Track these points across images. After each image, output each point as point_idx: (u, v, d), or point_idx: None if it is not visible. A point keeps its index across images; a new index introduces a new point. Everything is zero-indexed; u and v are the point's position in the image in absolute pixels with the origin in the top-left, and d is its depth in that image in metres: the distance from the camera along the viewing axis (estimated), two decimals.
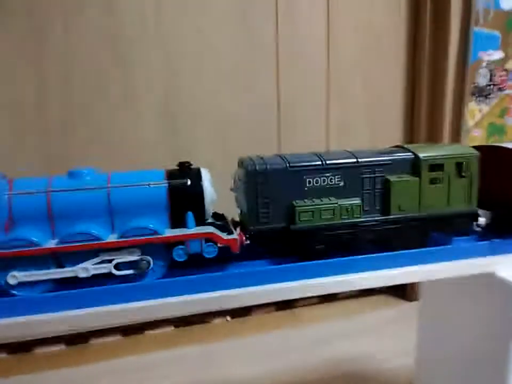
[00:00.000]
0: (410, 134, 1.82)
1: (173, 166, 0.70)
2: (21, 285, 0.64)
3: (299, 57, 1.66)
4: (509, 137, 1.85)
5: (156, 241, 0.65)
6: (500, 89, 1.82)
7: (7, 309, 0.61)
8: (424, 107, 1.77)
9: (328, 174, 0.72)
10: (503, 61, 1.80)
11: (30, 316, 0.62)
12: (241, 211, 0.75)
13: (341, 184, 0.73)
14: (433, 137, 1.77)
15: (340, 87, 1.73)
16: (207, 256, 0.66)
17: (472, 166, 0.76)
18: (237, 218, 0.77)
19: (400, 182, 0.74)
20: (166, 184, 0.66)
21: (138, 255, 0.65)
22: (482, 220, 0.81)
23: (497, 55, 1.79)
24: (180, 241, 0.65)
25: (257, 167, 0.69)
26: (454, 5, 1.67)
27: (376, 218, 0.74)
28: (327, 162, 0.72)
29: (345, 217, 0.72)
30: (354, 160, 0.73)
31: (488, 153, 0.80)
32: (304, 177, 0.71)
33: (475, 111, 1.82)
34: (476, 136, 1.81)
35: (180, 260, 0.66)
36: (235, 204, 0.77)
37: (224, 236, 0.67)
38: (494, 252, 0.77)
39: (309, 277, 0.70)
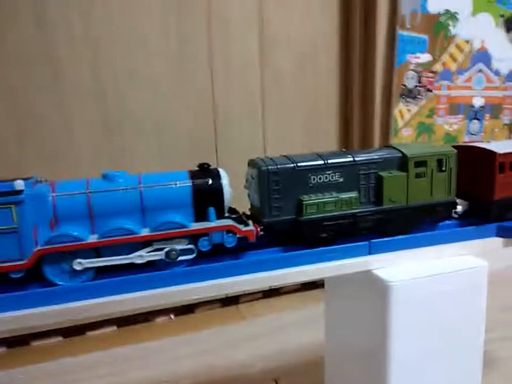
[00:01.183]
0: (345, 138, 2.01)
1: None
2: (63, 276, 0.74)
3: (233, 68, 1.78)
4: (437, 136, 2.08)
5: (183, 233, 0.77)
6: (428, 90, 2.04)
7: (59, 296, 0.73)
8: (356, 110, 1.97)
9: (329, 172, 0.87)
10: (431, 63, 2.03)
11: (81, 301, 0.74)
12: (253, 206, 0.89)
13: (340, 180, 0.88)
14: (366, 139, 1.97)
15: (274, 96, 1.86)
16: (228, 245, 0.80)
17: (451, 162, 0.92)
18: (247, 213, 0.91)
19: (390, 177, 0.89)
20: (190, 183, 0.79)
21: (187, 244, 0.78)
22: (460, 208, 0.99)
23: (425, 58, 2.02)
24: (204, 233, 0.78)
25: (269, 167, 0.82)
26: (381, 10, 1.86)
27: (371, 209, 0.90)
28: (328, 161, 0.87)
29: (345, 208, 0.87)
30: (352, 159, 0.88)
31: (466, 151, 0.99)
32: (309, 175, 0.86)
33: (404, 111, 2.03)
34: (405, 135, 2.03)
35: (205, 249, 0.78)
36: (247, 199, 0.92)
37: (242, 227, 0.80)
38: (372, 251, 0.90)
39: (312, 262, 0.86)
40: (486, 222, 0.97)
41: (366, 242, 0.89)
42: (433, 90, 2.07)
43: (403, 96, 2.02)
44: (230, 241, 0.79)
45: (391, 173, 0.90)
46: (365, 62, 1.92)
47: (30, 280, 0.75)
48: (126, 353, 1.60)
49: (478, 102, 2.19)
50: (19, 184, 0.70)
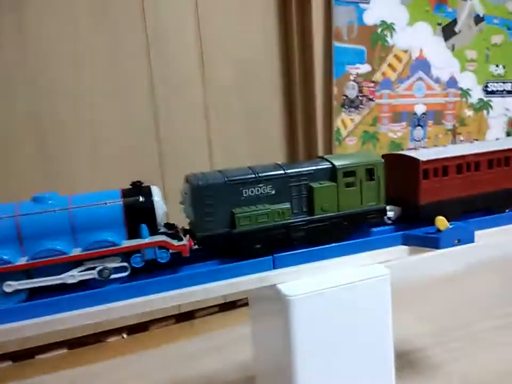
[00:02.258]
0: (291, 148, 2.13)
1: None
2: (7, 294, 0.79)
3: (174, 85, 1.87)
4: (382, 143, 2.21)
5: (115, 251, 0.82)
6: (370, 100, 2.18)
7: None
8: (299, 122, 2.09)
9: (261, 185, 0.93)
10: (370, 73, 2.17)
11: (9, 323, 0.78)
12: (190, 220, 0.94)
13: (272, 192, 0.94)
14: (310, 149, 2.08)
15: (218, 111, 1.95)
16: (161, 261, 0.85)
17: (379, 170, 1.00)
18: (187, 227, 0.96)
19: (321, 187, 0.96)
20: (121, 202, 0.84)
21: (120, 261, 0.84)
22: (391, 214, 1.08)
23: (365, 68, 2.14)
24: (136, 250, 0.83)
25: (200, 182, 0.88)
26: (316, 24, 1.98)
27: (303, 218, 0.96)
28: (260, 175, 0.93)
29: (278, 219, 0.93)
30: (283, 171, 0.95)
31: (396, 159, 1.10)
32: (241, 188, 0.91)
33: (347, 121, 2.15)
34: (350, 144, 2.16)
35: (138, 266, 0.84)
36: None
37: (175, 242, 0.85)
38: (277, 265, 0.95)
39: (244, 274, 0.93)
40: (416, 227, 1.06)
41: (270, 257, 0.93)
42: (375, 100, 2.22)
43: (345, 106, 2.16)
44: (162, 257, 0.85)
45: (321, 183, 0.96)
46: (305, 74, 2.03)
47: None
48: (76, 376, 1.66)
49: (420, 109, 2.34)
50: None
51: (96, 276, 0.81)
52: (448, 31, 2.34)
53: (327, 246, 0.98)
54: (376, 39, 2.18)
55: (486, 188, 1.13)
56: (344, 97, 2.15)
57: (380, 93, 2.23)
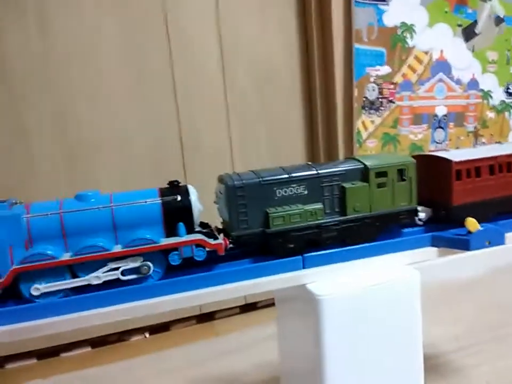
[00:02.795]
0: (312, 151, 2.15)
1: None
2: (43, 294, 0.82)
3: (196, 91, 1.91)
4: (402, 146, 2.22)
5: (154, 249, 0.84)
6: (390, 102, 2.19)
7: (33, 313, 0.82)
8: (320, 124, 2.11)
9: (294, 185, 0.94)
10: (391, 75, 2.18)
11: (53, 317, 0.82)
12: (223, 220, 0.96)
13: (305, 192, 0.95)
14: (331, 151, 2.10)
15: (239, 114, 1.99)
16: (197, 259, 0.87)
17: (410, 171, 1.01)
18: (220, 226, 0.98)
19: (353, 187, 0.97)
20: (160, 201, 0.87)
21: (140, 262, 0.85)
22: (423, 215, 1.08)
23: (384, 70, 2.16)
24: (174, 248, 0.86)
25: (235, 182, 0.90)
26: (336, 26, 2.00)
27: (335, 218, 0.97)
28: (293, 175, 0.94)
29: (310, 219, 0.94)
30: (315, 172, 0.96)
31: (427, 160, 1.10)
32: (274, 188, 0.93)
33: (368, 123, 2.17)
34: (370, 146, 2.17)
35: (175, 263, 0.86)
36: (217, 214, 0.99)
37: (211, 241, 0.87)
38: (306, 265, 0.96)
39: (274, 273, 0.95)
40: (447, 228, 1.07)
41: (300, 257, 0.95)
42: (395, 101, 2.23)
43: (365, 108, 2.17)
44: (199, 255, 0.87)
45: (353, 184, 0.97)
46: (325, 77, 2.05)
47: (7, 298, 0.82)
48: (100, 374, 1.68)
49: (441, 111, 2.34)
50: None
51: (120, 276, 0.86)
52: (468, 32, 2.35)
53: (356, 246, 0.99)
54: (396, 41, 2.19)
55: None
56: (364, 99, 2.16)
57: (400, 94, 2.24)
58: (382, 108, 2.19)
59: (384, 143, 2.23)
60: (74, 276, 0.83)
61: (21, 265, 0.79)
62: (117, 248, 0.84)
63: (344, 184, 0.97)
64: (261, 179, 0.93)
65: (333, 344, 0.92)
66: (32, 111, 1.68)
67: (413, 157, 1.07)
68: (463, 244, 0.98)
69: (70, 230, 0.83)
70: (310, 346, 0.95)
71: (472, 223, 0.97)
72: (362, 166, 1.00)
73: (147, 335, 1.89)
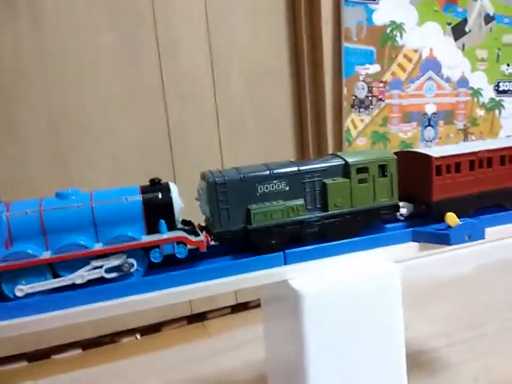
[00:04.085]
0: (301, 149, 2.16)
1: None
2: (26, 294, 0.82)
3: (186, 93, 1.93)
4: (392, 144, 2.24)
5: (135, 246, 0.85)
6: (380, 100, 2.21)
7: (16, 311, 0.83)
8: (310, 123, 2.12)
9: (275, 181, 0.95)
10: (380, 73, 2.20)
11: (35, 315, 0.83)
12: (206, 217, 0.98)
13: (286, 189, 0.96)
14: (320, 150, 2.11)
15: (229, 113, 2.01)
16: (179, 256, 0.88)
17: (392, 167, 1.02)
18: (203, 223, 1.00)
19: (334, 183, 0.98)
20: (140, 198, 0.88)
21: (123, 259, 0.86)
22: (404, 211, 1.10)
23: (374, 68, 2.18)
24: (155, 245, 0.87)
25: (216, 179, 0.91)
26: (325, 25, 2.02)
27: (317, 214, 0.98)
28: (274, 171, 0.95)
29: (292, 215, 0.96)
30: (296, 168, 0.97)
31: (408, 157, 1.12)
32: (256, 185, 0.94)
33: (357, 121, 2.19)
34: (360, 144, 2.19)
35: (156, 261, 0.87)
36: (199, 211, 1.00)
37: (193, 238, 0.89)
38: (288, 261, 0.98)
39: (256, 269, 0.96)
40: (428, 223, 1.09)
41: (281, 253, 0.96)
42: (385, 100, 2.26)
43: (355, 107, 2.19)
44: (180, 252, 0.88)
45: (334, 180, 0.99)
46: (314, 75, 2.07)
47: None
48: (91, 376, 1.71)
49: (430, 109, 2.37)
50: None
51: (104, 275, 0.87)
52: (458, 31, 2.37)
53: (337, 242, 1.00)
54: (385, 39, 2.21)
55: (499, 185, 1.15)
56: (354, 98, 2.19)
57: (389, 93, 2.26)
58: (372, 106, 2.22)
59: (373, 141, 2.25)
60: (55, 275, 0.84)
61: (1, 264, 0.80)
62: (98, 246, 0.84)
63: (325, 180, 0.99)
64: (242, 175, 0.94)
65: (315, 340, 0.93)
66: (24, 110, 1.71)
67: (395, 153, 1.08)
68: (443, 239, 0.99)
69: (50, 228, 0.83)
70: (292, 342, 0.97)
71: (451, 218, 0.99)
72: (343, 162, 1.01)
73: (138, 336, 1.90)
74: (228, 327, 1.97)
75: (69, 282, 0.84)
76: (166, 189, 0.90)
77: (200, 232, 0.92)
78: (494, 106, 2.47)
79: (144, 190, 0.89)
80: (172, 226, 0.89)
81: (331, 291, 0.94)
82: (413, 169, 1.09)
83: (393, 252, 1.05)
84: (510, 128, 2.53)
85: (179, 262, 0.91)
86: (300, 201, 0.97)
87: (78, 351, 1.82)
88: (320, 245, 1.00)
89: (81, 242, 0.84)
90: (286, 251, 0.97)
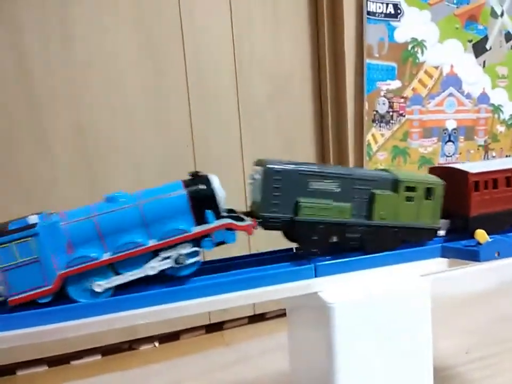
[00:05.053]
0: (322, 162, 2.20)
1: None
2: (85, 295, 0.89)
3: (209, 102, 1.98)
4: (412, 158, 2.27)
5: (188, 238, 0.90)
6: (401, 115, 2.25)
7: (81, 312, 0.88)
8: (331, 136, 2.17)
9: (327, 181, 0.99)
10: (401, 89, 2.23)
11: (95, 317, 0.88)
12: (254, 202, 1.01)
13: (336, 190, 0.99)
14: (341, 163, 2.14)
15: (251, 123, 2.05)
16: (229, 242, 0.93)
17: (438, 192, 1.06)
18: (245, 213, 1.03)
19: (383, 195, 1.02)
20: (185, 192, 0.92)
21: (190, 248, 0.91)
22: (442, 233, 1.12)
23: (395, 84, 2.22)
24: (206, 235, 0.91)
25: (274, 167, 0.95)
26: (348, 41, 2.08)
27: (360, 221, 1.01)
28: (328, 171, 0.99)
29: (337, 216, 0.99)
30: (350, 173, 1.01)
31: (444, 172, 1.13)
32: (309, 180, 0.97)
33: (377, 136, 2.22)
34: (380, 159, 2.23)
35: (208, 249, 0.92)
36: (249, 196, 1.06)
37: (240, 223, 0.93)
38: (318, 273, 0.99)
39: (286, 281, 0.99)
40: (465, 239, 1.10)
41: (312, 265, 0.98)
42: (405, 115, 2.26)
43: (376, 122, 2.21)
44: (230, 238, 0.93)
45: (383, 192, 1.02)
46: (337, 90, 2.13)
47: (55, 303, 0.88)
48: (109, 382, 1.72)
49: (451, 124, 2.39)
50: (32, 219, 0.85)
51: (174, 264, 0.90)
52: (479, 48, 2.39)
53: (367, 256, 1.03)
54: (406, 56, 2.24)
55: None
56: (375, 113, 2.22)
57: (410, 108, 2.30)
58: (392, 121, 2.23)
59: (394, 155, 2.28)
60: (117, 274, 0.90)
61: (67, 270, 0.85)
62: (152, 242, 0.89)
63: (375, 191, 1.02)
64: (298, 169, 0.97)
65: (344, 351, 0.94)
66: (53, 120, 1.76)
67: (431, 168, 1.15)
68: (473, 255, 0.99)
69: (105, 230, 0.88)
70: (321, 354, 0.97)
71: (481, 235, 0.98)
72: (395, 177, 1.04)
73: (157, 344, 1.89)
74: (245, 337, 1.96)
75: (142, 274, 0.89)
76: (207, 181, 0.94)
77: (244, 218, 0.96)
78: None
79: (187, 184, 0.93)
80: (217, 215, 0.93)
81: (360, 303, 0.96)
82: (450, 185, 1.10)
83: (423, 267, 1.06)
84: None
85: (211, 272, 0.97)
86: (347, 205, 1.00)
87: (97, 357, 1.82)
88: (350, 258, 1.02)
89: (136, 240, 0.88)
90: (317, 264, 0.99)
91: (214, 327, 2.05)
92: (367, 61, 2.13)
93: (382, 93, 2.21)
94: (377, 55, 2.17)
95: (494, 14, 2.41)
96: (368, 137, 2.20)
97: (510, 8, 2.45)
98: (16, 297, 0.84)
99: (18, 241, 0.82)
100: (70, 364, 1.83)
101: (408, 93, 2.27)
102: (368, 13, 2.10)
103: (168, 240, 0.89)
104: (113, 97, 1.80)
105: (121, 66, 1.80)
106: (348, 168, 1.06)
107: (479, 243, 1.01)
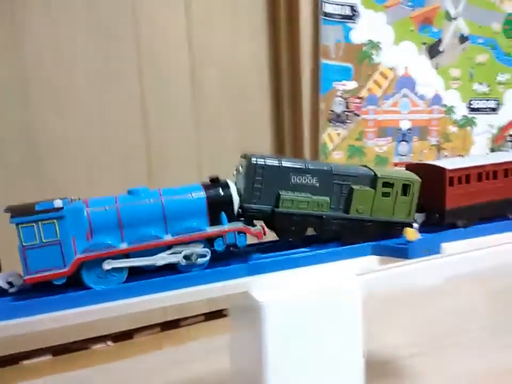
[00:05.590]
0: None
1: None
2: (98, 281, 0.92)
3: (165, 100, 1.98)
4: (368, 157, 2.47)
5: (203, 236, 0.98)
6: (356, 115, 2.41)
7: (91, 298, 0.91)
8: (287, 136, 2.27)
9: (308, 175, 1.06)
10: (357, 90, 2.38)
11: (113, 301, 0.92)
12: (237, 192, 1.07)
13: (316, 185, 1.07)
14: None
15: (207, 121, 2.08)
16: (240, 244, 1.00)
17: (414, 188, 1.13)
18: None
19: (360, 190, 1.10)
20: (204, 194, 0.99)
21: (201, 247, 0.96)
22: (416, 226, 1.15)
23: (351, 85, 2.36)
24: (218, 235, 0.98)
25: (258, 160, 1.03)
26: (304, 41, 2.15)
27: (338, 214, 1.09)
28: (309, 166, 1.07)
29: (316, 209, 1.06)
30: (330, 169, 1.09)
31: (420, 168, 1.21)
32: (291, 174, 1.05)
33: (334, 135, 2.39)
34: (336, 158, 2.38)
35: (220, 249, 0.99)
36: None
37: (252, 228, 1.01)
38: (251, 272, 1.02)
39: (220, 280, 0.99)
40: (441, 229, 1.17)
41: (245, 264, 1.03)
42: (361, 115, 2.32)
43: (332, 121, 2.26)
44: (241, 241, 1.00)
45: (361, 187, 1.10)
46: (293, 90, 2.30)
47: (68, 287, 0.92)
48: (61, 382, 1.74)
49: (405, 125, 2.52)
50: (58, 203, 0.88)
51: (181, 260, 0.95)
52: (433, 50, 2.57)
53: (300, 254, 1.08)
54: (362, 57, 2.42)
55: (502, 196, 1.25)
56: (331, 112, 2.27)
57: (366, 108, 2.47)
58: (348, 121, 2.36)
59: (349, 155, 2.46)
60: None
61: (84, 255, 0.89)
62: (168, 237, 0.95)
63: (353, 186, 1.09)
64: (280, 163, 1.04)
65: (274, 350, 0.97)
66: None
67: (408, 165, 1.27)
68: (402, 253, 1.04)
69: (126, 221, 0.93)
70: (253, 353, 1.01)
71: (410, 233, 1.01)
72: (373, 174, 1.12)
73: (110, 343, 1.87)
74: (201, 334, 1.95)
75: (151, 262, 0.95)
76: (226, 186, 1.01)
77: (255, 224, 1.05)
78: (466, 123, 2.60)
79: (206, 187, 1.01)
80: (231, 218, 1.00)
81: (291, 302, 1.00)
82: (427, 181, 1.17)
83: (355, 265, 1.10)
84: (482, 144, 2.55)
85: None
86: (326, 199, 1.07)
87: (48, 357, 1.82)
88: (283, 257, 1.07)
89: (155, 233, 0.94)
90: (249, 262, 1.04)
91: (169, 325, 2.04)
92: (323, 61, 2.27)
93: (339, 93, 2.40)
94: (334, 56, 2.33)
95: (448, 16, 2.52)
96: (324, 137, 2.25)
97: (464, 11, 2.51)
98: (33, 276, 0.87)
99: (44, 222, 0.86)
100: (20, 364, 1.81)
101: (363, 93, 2.44)
102: (325, 14, 2.19)
103: (183, 236, 0.96)
104: (64, 95, 1.85)
105: (72, 63, 1.84)
106: (328, 163, 1.15)
107: (408, 241, 1.03)
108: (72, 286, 0.92)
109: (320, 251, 1.09)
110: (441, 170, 1.18)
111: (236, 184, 1.08)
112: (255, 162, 1.03)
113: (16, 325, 0.86)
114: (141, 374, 1.74)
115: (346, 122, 2.36)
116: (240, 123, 2.16)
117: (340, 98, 2.32)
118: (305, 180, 1.05)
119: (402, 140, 2.51)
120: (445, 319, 1.95)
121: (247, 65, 2.16)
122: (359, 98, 2.38)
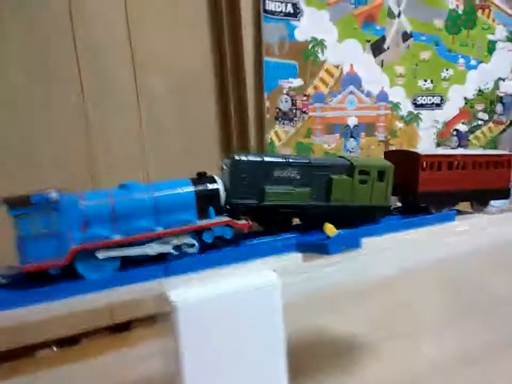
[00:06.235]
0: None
1: None
2: (92, 271, 0.91)
3: (107, 99, 1.94)
4: (316, 154, 2.64)
5: (193, 229, 1.01)
6: (304, 112, 2.42)
7: (86, 287, 0.89)
8: (234, 135, 2.32)
9: (290, 169, 1.10)
10: (303, 87, 2.53)
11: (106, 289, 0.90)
12: (224, 189, 1.14)
13: (298, 177, 1.12)
14: None
15: (153, 123, 2.08)
16: (227, 237, 1.02)
17: (389, 174, 1.21)
18: None
19: (339, 179, 1.15)
20: (194, 189, 1.02)
21: (189, 239, 0.97)
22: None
23: (297, 82, 2.51)
24: (207, 228, 1.01)
25: (241, 158, 1.07)
26: (246, 39, 2.19)
27: (319, 203, 1.15)
28: (290, 161, 1.12)
29: (298, 200, 1.12)
30: (309, 161, 1.15)
31: (398, 155, 1.33)
32: (273, 169, 1.10)
33: (281, 132, 2.55)
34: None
35: (209, 241, 1.01)
36: None
37: (238, 221, 1.05)
38: (168, 273, 0.99)
39: (136, 282, 0.94)
40: (413, 212, 1.25)
41: (162, 265, 1.04)
42: (308, 112, 2.31)
43: (279, 119, 2.28)
44: (228, 233, 1.03)
45: (339, 176, 1.16)
46: (237, 88, 2.39)
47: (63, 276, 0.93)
48: None
49: (352, 121, 2.57)
50: (54, 195, 0.89)
51: (172, 250, 0.97)
52: (377, 48, 2.73)
53: (219, 254, 1.05)
54: (307, 55, 2.61)
55: (469, 185, 1.33)
56: (278, 110, 2.22)
57: (313, 106, 2.51)
58: (296, 119, 2.37)
59: (298, 152, 2.41)
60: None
61: (80, 245, 0.91)
62: (160, 229, 0.98)
63: (332, 176, 1.15)
64: (262, 159, 1.09)
65: (192, 352, 0.95)
66: None
67: (386, 152, 1.37)
68: (323, 249, 1.04)
69: (119, 214, 0.96)
70: (173, 356, 0.98)
71: (330, 228, 1.07)
72: (349, 163, 1.19)
73: (55, 348, 1.82)
74: (148, 336, 1.90)
75: (141, 252, 0.95)
76: (213, 181, 1.06)
77: (241, 217, 1.09)
78: (412, 119, 2.69)
79: (194, 182, 1.05)
80: (218, 212, 1.05)
81: (208, 301, 0.98)
82: (403, 166, 1.26)
83: (277, 262, 1.10)
84: (428, 139, 2.61)
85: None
86: (307, 190, 1.13)
87: None
88: (201, 256, 1.04)
89: (147, 225, 0.97)
90: (167, 263, 1.03)
91: (118, 328, 2.02)
92: (267, 59, 2.37)
93: (285, 91, 2.39)
94: (278, 54, 2.32)
95: (391, 14, 2.64)
96: (271, 135, 2.27)
97: (407, 9, 2.58)
98: (30, 265, 0.88)
99: (42, 213, 0.87)
100: None
101: (310, 90, 2.50)
102: (267, 11, 2.24)
103: (174, 228, 0.99)
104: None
105: (9, 63, 1.76)
106: (308, 156, 1.30)
107: (328, 237, 1.03)
108: (63, 277, 0.92)
109: (240, 248, 1.06)
110: (417, 156, 1.30)
111: (223, 182, 1.17)
112: (238, 159, 1.10)
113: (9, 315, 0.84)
114: (87, 378, 1.70)
115: (293, 120, 2.50)
116: (185, 123, 2.20)
117: (286, 96, 2.46)
118: (287, 173, 1.12)
119: (350, 136, 2.65)
120: (397, 311, 1.93)
121: (192, 65, 2.19)
122: (305, 96, 2.53)
